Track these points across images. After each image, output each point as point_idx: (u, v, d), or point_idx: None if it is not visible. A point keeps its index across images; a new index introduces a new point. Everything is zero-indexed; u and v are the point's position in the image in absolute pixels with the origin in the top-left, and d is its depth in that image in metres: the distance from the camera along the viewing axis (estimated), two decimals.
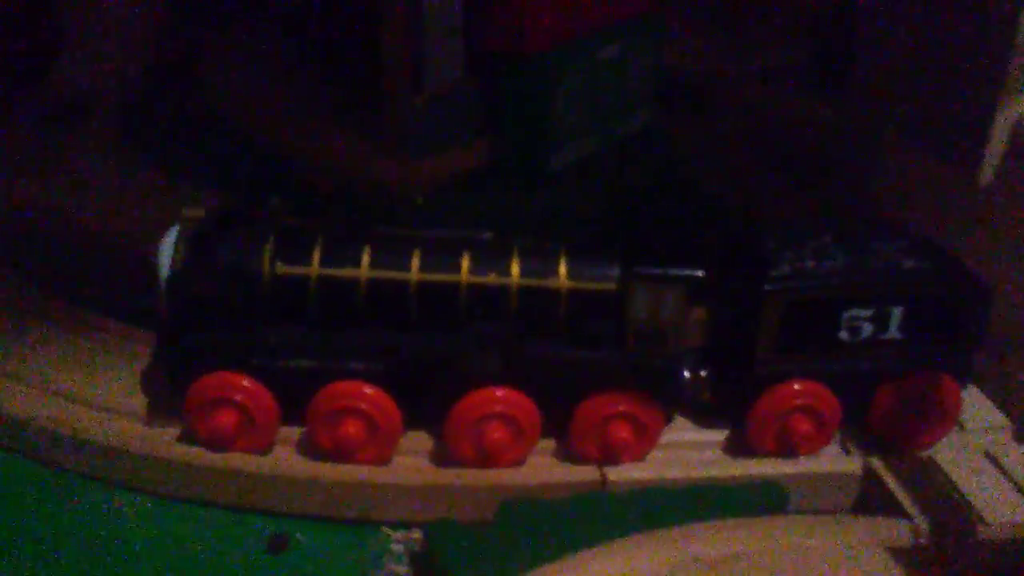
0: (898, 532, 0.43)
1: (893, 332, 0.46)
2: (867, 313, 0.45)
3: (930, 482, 0.45)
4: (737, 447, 0.48)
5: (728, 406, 0.47)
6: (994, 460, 0.47)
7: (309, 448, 0.46)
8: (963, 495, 0.44)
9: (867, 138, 0.54)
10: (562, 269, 0.45)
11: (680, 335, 0.45)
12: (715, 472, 0.46)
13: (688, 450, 0.47)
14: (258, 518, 0.45)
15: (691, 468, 0.46)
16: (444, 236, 0.46)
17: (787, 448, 0.47)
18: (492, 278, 0.44)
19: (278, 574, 0.43)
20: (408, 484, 0.45)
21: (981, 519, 0.43)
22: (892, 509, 0.45)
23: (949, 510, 0.44)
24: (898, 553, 0.42)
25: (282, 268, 0.44)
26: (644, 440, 0.46)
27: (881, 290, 0.45)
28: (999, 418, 0.50)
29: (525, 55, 0.72)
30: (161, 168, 0.68)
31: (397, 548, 0.44)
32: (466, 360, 0.45)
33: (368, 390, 0.44)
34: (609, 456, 0.46)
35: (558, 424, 0.46)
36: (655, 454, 0.47)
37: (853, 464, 0.47)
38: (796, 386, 0.46)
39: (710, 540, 0.41)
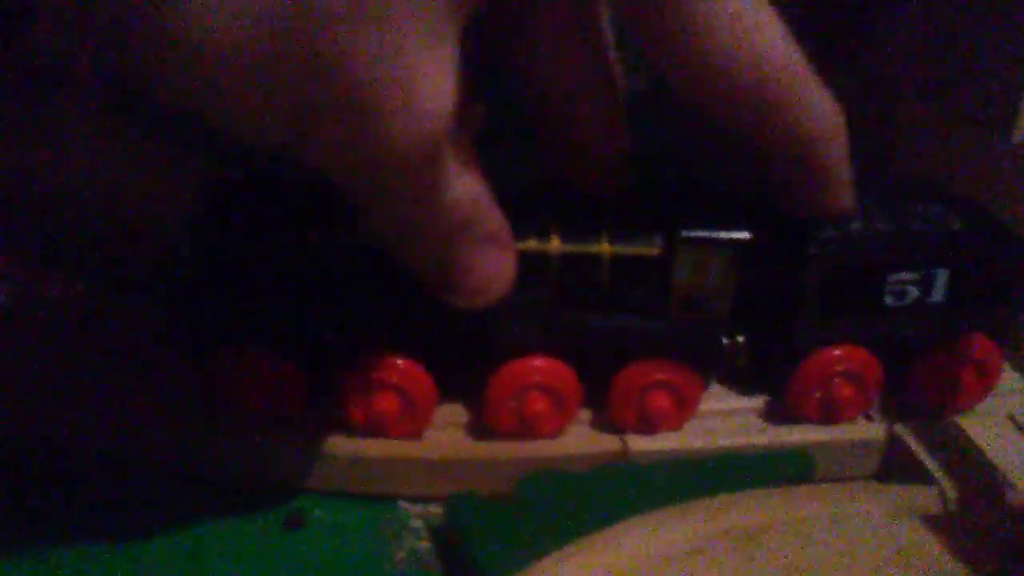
0: (926, 499, 0.42)
1: (938, 295, 0.45)
2: (913, 276, 0.44)
3: (955, 448, 0.45)
4: (762, 415, 0.47)
5: (767, 372, 0.46)
6: (1018, 424, 0.46)
7: (342, 424, 0.44)
8: (990, 460, 0.44)
9: (885, 104, 0.52)
10: (604, 234, 0.43)
11: (725, 301, 0.43)
12: (740, 441, 0.45)
13: (712, 418, 0.46)
14: (274, 495, 0.44)
15: (715, 437, 0.45)
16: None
17: (829, 414, 0.46)
18: (531, 244, 0.42)
19: (295, 552, 0.42)
20: (426, 458, 0.44)
21: (1009, 484, 0.42)
22: (918, 475, 0.44)
23: (976, 476, 0.43)
24: (927, 520, 0.41)
25: (313, 236, 0.42)
26: (683, 410, 0.45)
27: (927, 253, 0.44)
28: (1022, 382, 0.49)
29: None
30: (148, 140, 0.65)
31: (416, 523, 0.44)
32: (504, 330, 0.43)
33: (401, 363, 0.43)
34: (647, 426, 0.45)
35: (596, 393, 0.45)
36: None
37: (878, 431, 0.46)
38: (838, 351, 0.45)
39: (740, 511, 0.40)
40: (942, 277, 0.44)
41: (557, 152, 0.44)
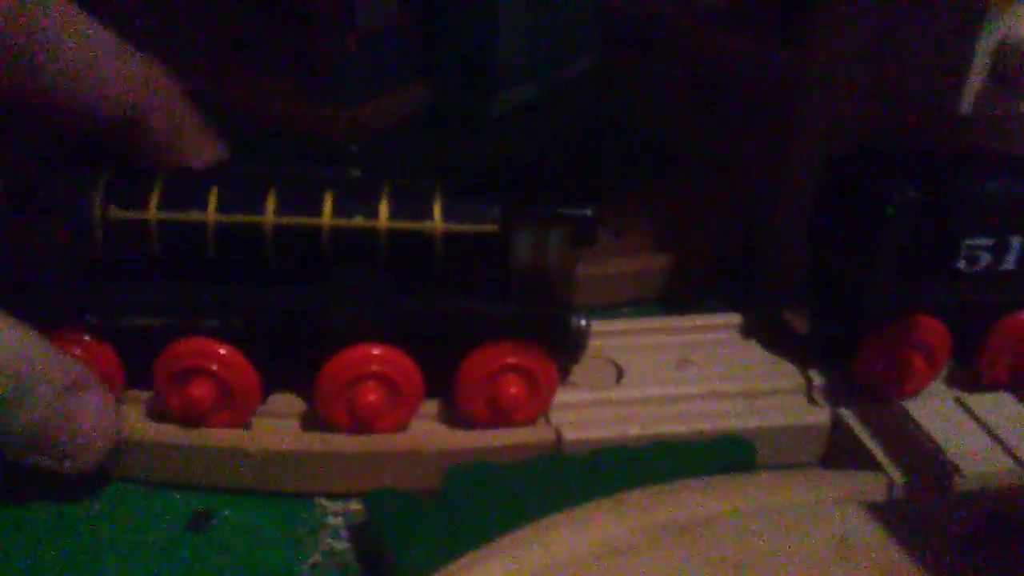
0: (872, 486, 0.41)
1: (1010, 263, 0.43)
2: (987, 242, 0.42)
3: (902, 433, 0.43)
4: (700, 400, 0.45)
5: (834, 341, 0.45)
6: (965, 407, 0.45)
7: (157, 412, 0.41)
8: (938, 446, 0.42)
9: (825, 81, 0.50)
10: (437, 210, 0.40)
11: (568, 279, 0.41)
12: (678, 428, 0.43)
13: (647, 406, 0.44)
14: (180, 494, 0.41)
15: (652, 424, 0.43)
16: (304, 174, 0.41)
17: (894, 385, 0.45)
18: (358, 221, 0.40)
19: (200, 554, 0.38)
20: (346, 452, 0.41)
21: (957, 470, 0.41)
22: (863, 461, 0.42)
23: (923, 461, 0.42)
24: (873, 508, 0.39)
25: (116, 213, 0.39)
26: (537, 395, 0.42)
27: (1003, 217, 0.42)
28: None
29: None
30: None
31: (334, 521, 0.41)
32: (333, 315, 0.40)
33: (220, 349, 0.40)
34: (500, 415, 0.42)
35: (442, 382, 0.42)
36: (613, 411, 0.44)
37: (822, 415, 0.44)
38: (912, 320, 0.44)
39: (677, 503, 0.38)
40: (1016, 244, 0.42)
41: None
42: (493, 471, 0.41)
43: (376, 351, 0.40)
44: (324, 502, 0.41)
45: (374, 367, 0.40)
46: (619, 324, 0.50)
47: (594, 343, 0.48)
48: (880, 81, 0.44)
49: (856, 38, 0.44)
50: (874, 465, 0.42)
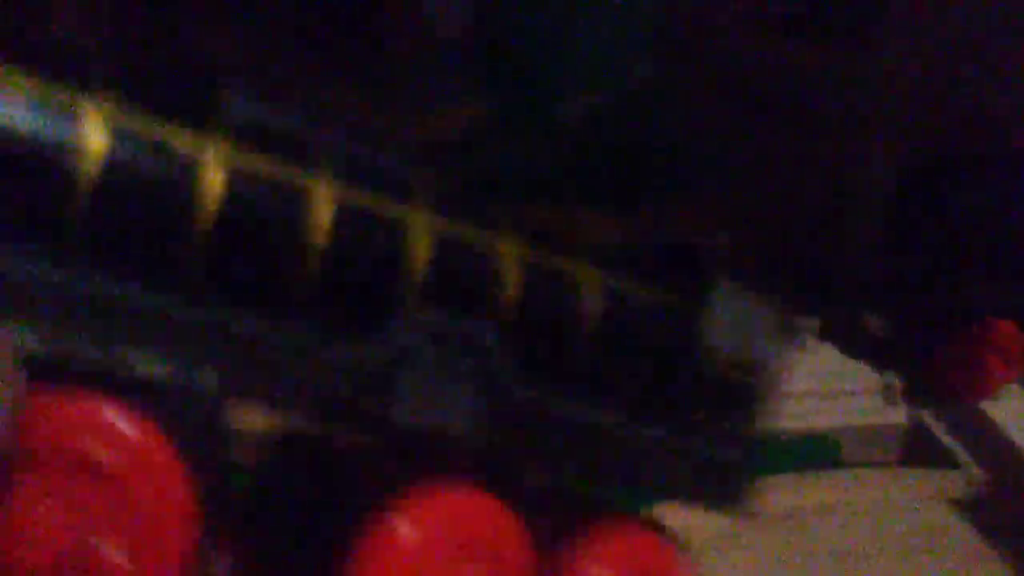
0: (953, 483, 0.42)
1: None
2: None
3: (980, 433, 0.45)
4: (788, 398, 0.46)
5: (912, 344, 0.46)
6: None
7: None
8: (1016, 445, 0.43)
9: (889, 88, 0.52)
10: (587, 276, 0.25)
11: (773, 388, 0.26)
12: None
13: None
14: None
15: None
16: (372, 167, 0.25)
17: (971, 387, 0.45)
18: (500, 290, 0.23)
19: None
20: None
21: None
22: (943, 461, 0.44)
23: (1003, 461, 0.43)
24: (955, 504, 0.41)
25: None
26: None
27: None
28: None
29: None
30: None
31: None
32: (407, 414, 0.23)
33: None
34: None
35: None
36: None
37: (902, 416, 0.46)
38: (990, 324, 0.45)
39: (771, 497, 0.40)
40: None
41: None
42: None
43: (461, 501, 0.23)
44: None
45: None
46: None
47: None
48: (957, 88, 0.45)
49: (932, 43, 0.45)
50: (954, 464, 0.43)
